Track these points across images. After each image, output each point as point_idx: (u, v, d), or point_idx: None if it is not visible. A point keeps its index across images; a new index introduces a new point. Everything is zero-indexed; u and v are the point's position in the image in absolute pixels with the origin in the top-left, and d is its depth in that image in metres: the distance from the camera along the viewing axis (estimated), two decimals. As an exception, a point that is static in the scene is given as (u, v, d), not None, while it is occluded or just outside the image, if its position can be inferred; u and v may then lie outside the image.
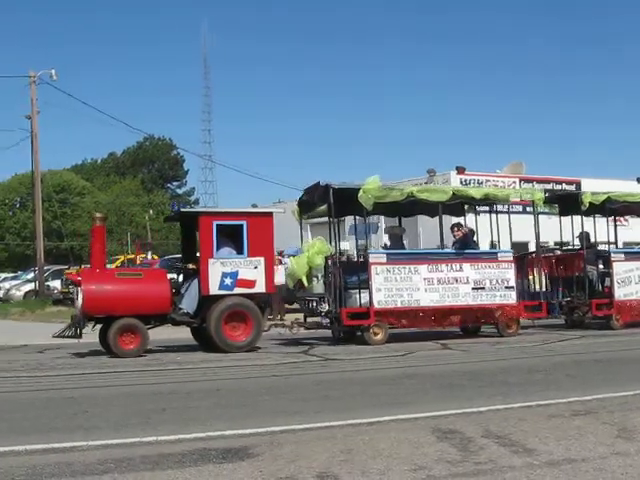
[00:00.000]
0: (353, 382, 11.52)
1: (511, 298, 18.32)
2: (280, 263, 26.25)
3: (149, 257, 41.54)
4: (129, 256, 45.48)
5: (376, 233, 36.58)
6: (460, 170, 45.65)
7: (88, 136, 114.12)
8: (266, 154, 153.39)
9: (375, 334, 17.02)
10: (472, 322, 18.77)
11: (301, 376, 12.58)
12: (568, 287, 20.40)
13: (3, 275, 54.41)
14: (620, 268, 19.97)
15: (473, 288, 17.95)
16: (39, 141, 39.54)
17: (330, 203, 17.52)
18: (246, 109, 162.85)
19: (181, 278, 17.22)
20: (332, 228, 18.13)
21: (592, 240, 20.78)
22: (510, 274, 18.36)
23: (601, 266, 20.48)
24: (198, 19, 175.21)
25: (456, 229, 19.37)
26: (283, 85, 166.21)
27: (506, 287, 18.25)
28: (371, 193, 17.20)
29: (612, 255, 20.31)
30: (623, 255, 20.49)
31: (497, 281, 18.20)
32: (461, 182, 44.91)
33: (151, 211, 79.54)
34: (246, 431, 7.71)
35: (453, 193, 18.42)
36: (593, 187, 50.38)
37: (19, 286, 45.09)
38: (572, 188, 49.42)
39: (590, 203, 19.93)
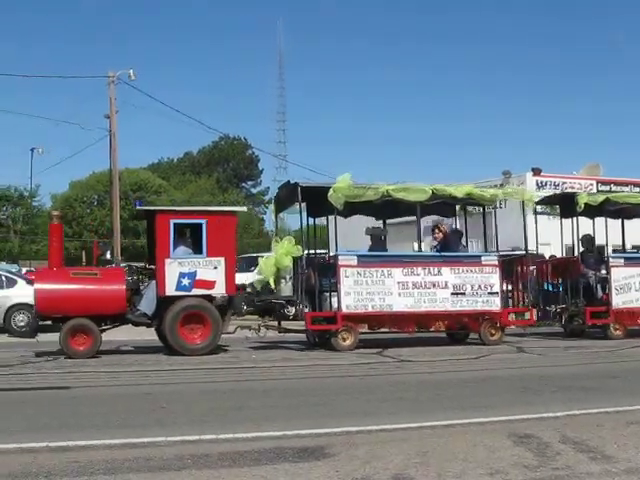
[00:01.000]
0: (428, 384, 11.50)
1: (494, 304, 17.40)
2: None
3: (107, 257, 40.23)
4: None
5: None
6: (536, 172, 45.19)
7: (164, 135, 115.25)
8: (340, 154, 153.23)
9: (344, 339, 16.40)
10: (451, 328, 18.03)
11: (376, 377, 12.58)
12: (566, 293, 19.48)
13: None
14: (619, 274, 18.84)
15: (452, 293, 17.09)
16: (117, 140, 40.11)
17: (299, 202, 17.01)
18: (321, 109, 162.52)
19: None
20: (303, 227, 18.31)
21: (601, 244, 20.11)
22: (494, 279, 17.43)
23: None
24: (273, 18, 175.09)
25: (436, 231, 18.56)
26: (358, 84, 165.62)
27: (489, 293, 17.32)
28: (342, 192, 16.49)
29: (611, 260, 19.24)
30: (623, 260, 19.36)
31: (480, 286, 17.29)
32: (537, 184, 44.48)
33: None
34: (322, 431, 7.75)
35: (433, 192, 17.35)
36: (674, 189, 49.69)
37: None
38: (651, 191, 48.60)
39: (587, 204, 18.93)
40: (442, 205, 18.24)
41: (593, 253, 19.80)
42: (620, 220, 20.42)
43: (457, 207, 19.40)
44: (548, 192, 44.73)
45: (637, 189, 48.36)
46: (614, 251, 20.66)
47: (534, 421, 8.22)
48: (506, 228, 20.05)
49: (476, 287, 17.24)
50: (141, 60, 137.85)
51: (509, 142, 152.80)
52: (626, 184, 48.30)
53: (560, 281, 20.11)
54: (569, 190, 46.20)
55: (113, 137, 39.80)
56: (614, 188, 47.65)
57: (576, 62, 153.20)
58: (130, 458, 6.64)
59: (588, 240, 19.79)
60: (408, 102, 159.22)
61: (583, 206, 18.76)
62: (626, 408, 8.99)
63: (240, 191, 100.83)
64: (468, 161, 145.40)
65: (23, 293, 21.82)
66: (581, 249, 19.86)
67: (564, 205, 20.54)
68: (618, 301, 18.66)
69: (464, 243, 18.80)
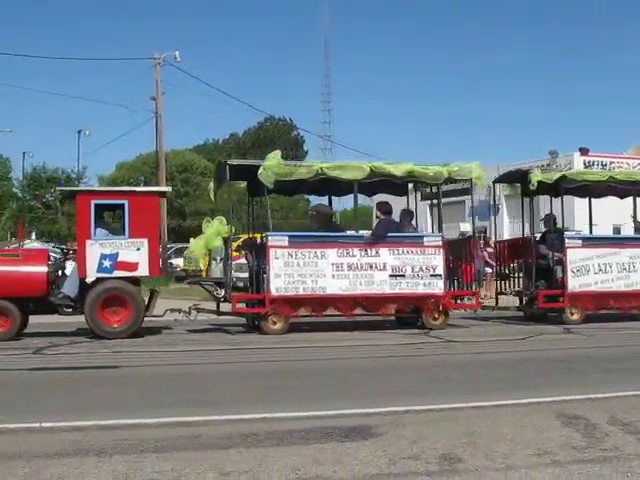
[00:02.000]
0: (474, 365, 11.45)
1: (437, 287, 16.56)
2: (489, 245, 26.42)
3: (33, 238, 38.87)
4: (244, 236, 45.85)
5: (497, 214, 36.29)
6: (584, 151, 44.87)
7: (210, 116, 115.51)
8: (386, 133, 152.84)
9: (273, 323, 15.81)
10: (390, 312, 17.03)
11: (421, 357, 12.60)
12: (527, 276, 18.61)
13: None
14: (576, 256, 17.80)
15: (391, 275, 16.32)
16: (163, 121, 40.32)
17: (226, 180, 16.57)
18: (367, 88, 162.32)
19: None
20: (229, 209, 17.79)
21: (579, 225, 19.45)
22: (438, 261, 16.59)
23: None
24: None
25: (378, 210, 17.91)
26: (404, 64, 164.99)
27: (432, 275, 16.50)
28: (272, 170, 15.83)
29: (567, 241, 18.10)
30: (580, 241, 18.34)
31: (421, 268, 16.48)
32: (584, 164, 44.17)
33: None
34: (368, 410, 7.76)
35: (371, 170, 16.50)
36: None
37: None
38: (700, 170, 47.96)
39: (542, 182, 17.94)
40: (392, 184, 17.34)
41: (554, 234, 18.73)
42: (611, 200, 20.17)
43: (410, 186, 18.52)
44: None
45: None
46: (566, 231, 19.52)
47: (582, 402, 8.17)
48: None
49: (417, 269, 16.48)
50: (187, 41, 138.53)
51: (558, 123, 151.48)
52: (675, 163, 47.74)
53: (518, 263, 19.64)
54: (617, 169, 45.84)
55: (159, 119, 40.02)
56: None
57: (623, 41, 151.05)
58: (179, 436, 6.70)
59: (550, 220, 19.22)
60: (455, 83, 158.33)
61: (536, 184, 17.85)
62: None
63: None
64: (516, 144, 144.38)
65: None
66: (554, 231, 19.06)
67: (521, 183, 19.44)
68: (575, 284, 17.71)
69: (414, 224, 18.11)
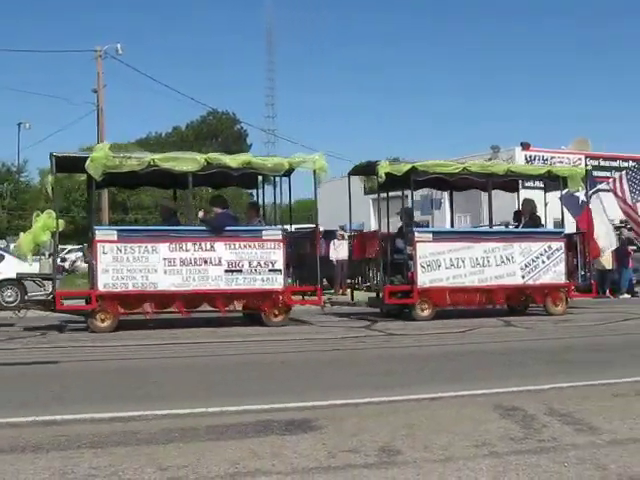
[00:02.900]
0: (415, 357, 11.53)
1: (277, 282, 16.20)
2: (343, 238, 26.36)
3: None
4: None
5: (439, 209, 36.46)
6: (525, 146, 45.30)
7: (153, 110, 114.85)
8: (332, 128, 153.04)
9: (101, 321, 15.28)
10: (232, 308, 16.58)
11: (363, 350, 12.62)
12: (383, 270, 17.86)
13: (69, 247, 55.04)
14: (426, 250, 17.32)
15: (227, 270, 15.95)
16: (105, 115, 39.96)
17: (53, 173, 15.81)
18: (311, 83, 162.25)
19: None
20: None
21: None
22: (278, 255, 16.21)
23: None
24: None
25: (213, 205, 17.72)
26: (347, 58, 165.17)
27: (271, 270, 16.15)
28: (99, 162, 15.26)
29: (416, 235, 17.52)
30: (431, 235, 17.92)
31: (259, 263, 16.11)
32: (526, 158, 44.57)
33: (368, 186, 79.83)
34: (309, 404, 7.77)
35: (206, 162, 16.06)
36: (661, 165, 49.78)
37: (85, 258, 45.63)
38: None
39: (390, 174, 17.35)
40: (243, 176, 16.92)
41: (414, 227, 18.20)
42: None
43: (260, 178, 18.20)
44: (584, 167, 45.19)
45: (625, 164, 48.52)
46: (418, 225, 19.15)
47: (521, 394, 8.25)
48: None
49: (255, 264, 16.12)
50: (129, 34, 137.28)
51: (500, 118, 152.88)
52: (614, 159, 48.47)
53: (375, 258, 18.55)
54: (558, 165, 46.35)
55: (100, 112, 39.66)
56: (602, 163, 47.84)
57: (565, 38, 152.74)
58: (117, 432, 6.63)
59: (407, 213, 18.94)
60: (401, 77, 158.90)
61: (384, 176, 17.31)
62: (612, 381, 9.04)
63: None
64: (463, 136, 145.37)
65: (11, 268, 21.72)
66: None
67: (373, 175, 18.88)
68: (425, 279, 17.30)
69: (260, 217, 17.77)
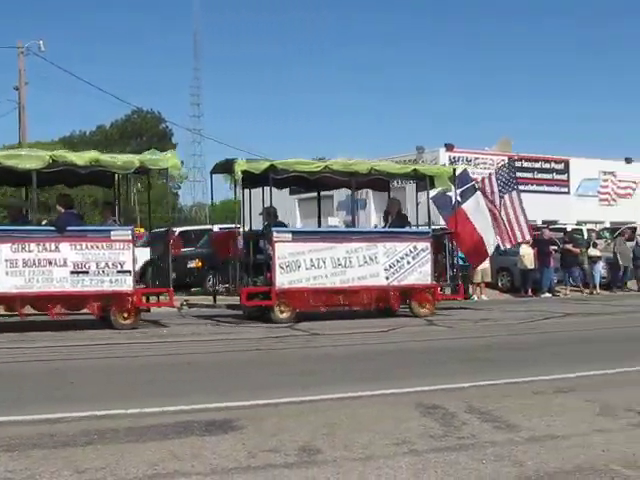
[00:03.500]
0: (337, 357, 11.57)
1: (125, 284, 15.54)
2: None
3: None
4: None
5: (364, 209, 36.63)
6: (449, 147, 45.75)
7: (77, 108, 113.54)
8: (258, 127, 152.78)
9: None
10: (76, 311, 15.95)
11: (285, 350, 12.62)
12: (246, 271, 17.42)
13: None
14: (285, 250, 16.73)
15: (72, 272, 15.20)
16: (27, 113, 39.29)
17: None
18: (238, 81, 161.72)
19: None
20: None
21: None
22: (126, 256, 15.56)
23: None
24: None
25: (59, 204, 16.79)
26: (276, 56, 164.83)
27: (119, 271, 15.49)
28: None
29: (275, 235, 16.86)
30: (290, 235, 17.29)
31: (107, 264, 15.44)
32: (450, 159, 45.00)
33: (139, 184, 79.46)
34: (230, 404, 7.74)
35: (51, 159, 15.18)
36: (582, 166, 50.93)
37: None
38: (561, 167, 49.67)
39: (248, 172, 16.89)
40: (97, 174, 16.21)
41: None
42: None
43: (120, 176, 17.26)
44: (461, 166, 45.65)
45: (547, 165, 49.34)
46: (278, 225, 18.09)
47: (441, 392, 8.33)
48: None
49: (102, 265, 15.43)
50: (53, 32, 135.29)
51: (427, 117, 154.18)
52: (537, 160, 49.21)
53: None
54: (481, 165, 46.95)
55: (22, 110, 38.96)
56: (525, 164, 48.55)
57: (492, 36, 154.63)
58: (34, 435, 6.53)
59: (269, 212, 18.43)
60: (329, 75, 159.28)
61: (241, 174, 16.85)
62: (532, 379, 9.17)
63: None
64: (381, 135, 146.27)
65: None
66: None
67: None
68: (283, 280, 16.69)
69: (115, 217, 17.13)
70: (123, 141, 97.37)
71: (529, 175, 48.67)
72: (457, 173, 20.70)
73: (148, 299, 16.78)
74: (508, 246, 22.41)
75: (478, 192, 21.10)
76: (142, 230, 24.62)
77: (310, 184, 19.50)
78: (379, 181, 19.20)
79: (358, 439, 6.27)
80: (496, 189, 21.43)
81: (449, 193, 20.25)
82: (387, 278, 17.64)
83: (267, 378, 9.57)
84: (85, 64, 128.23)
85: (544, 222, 42.62)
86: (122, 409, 7.44)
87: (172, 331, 15.23)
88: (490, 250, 21.34)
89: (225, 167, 18.15)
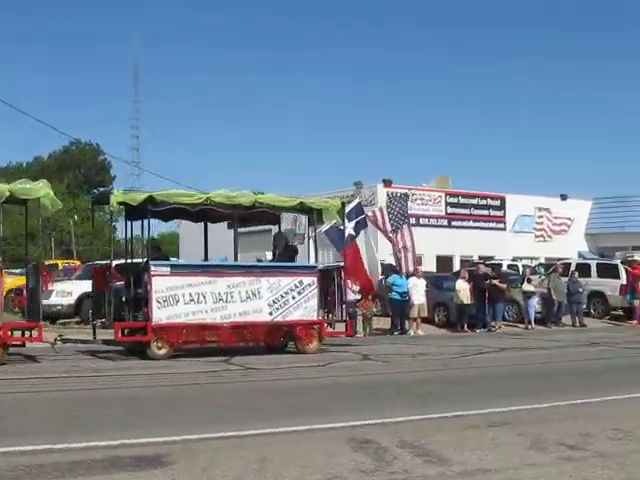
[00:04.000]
0: (272, 391, 11.50)
1: None
2: None
3: None
4: (51, 261, 44.84)
5: (302, 243, 36.60)
6: (387, 183, 46.04)
7: (13, 139, 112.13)
8: (198, 161, 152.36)
9: None
10: None
11: (220, 385, 12.53)
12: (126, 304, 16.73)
13: None
14: (162, 285, 16.07)
15: None
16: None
17: None
18: (178, 116, 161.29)
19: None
20: None
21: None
22: None
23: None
24: (130, 24, 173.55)
25: None
26: (216, 91, 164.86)
27: None
28: None
29: (152, 268, 16.20)
30: (169, 269, 16.64)
31: None
32: (388, 195, 45.28)
33: (76, 216, 78.65)
34: (161, 439, 7.63)
35: None
36: (518, 202, 51.61)
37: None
38: (497, 203, 50.28)
39: (126, 204, 16.38)
40: None
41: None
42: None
43: None
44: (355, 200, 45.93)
45: (484, 201, 49.92)
46: (160, 258, 17.66)
47: (374, 426, 8.32)
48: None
49: None
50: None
51: (365, 152, 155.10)
52: (474, 196, 49.75)
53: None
54: (419, 201, 47.35)
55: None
56: (462, 200, 49.07)
57: (425, 69, 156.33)
58: (-43, 470, 6.38)
59: (153, 246, 18.36)
60: (265, 108, 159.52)
61: (117, 205, 16.20)
62: (465, 413, 9.20)
63: (91, 197, 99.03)
64: (321, 170, 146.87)
65: None
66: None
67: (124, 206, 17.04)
68: (161, 315, 16.02)
69: None
70: (61, 173, 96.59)
71: (466, 211, 49.22)
72: (352, 206, 20.71)
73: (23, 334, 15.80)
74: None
75: (368, 226, 21.16)
76: (78, 263, 24.41)
77: (193, 216, 18.93)
78: (268, 214, 18.52)
79: (288, 474, 6.24)
80: (387, 220, 21.49)
81: (342, 227, 19.99)
82: (271, 313, 17.10)
83: (200, 413, 9.48)
84: (23, 95, 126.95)
85: (480, 258, 43.05)
86: (49, 444, 7.30)
87: (82, 365, 15.05)
88: (375, 282, 21.34)
89: (102, 199, 17.66)
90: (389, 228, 22.64)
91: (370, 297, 25.64)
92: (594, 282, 32.11)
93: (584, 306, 30.88)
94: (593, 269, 33.01)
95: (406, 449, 7.14)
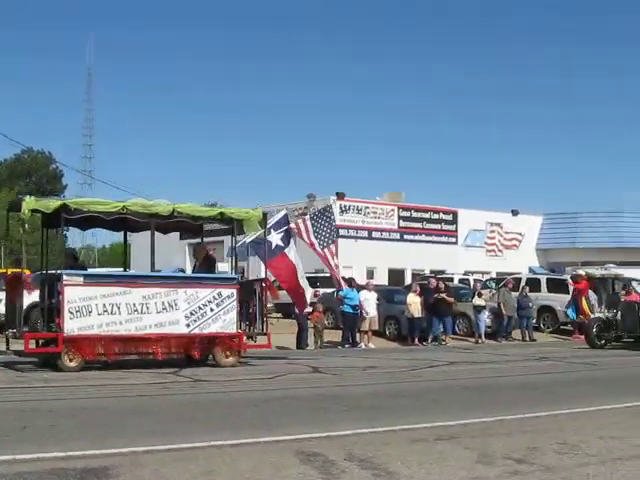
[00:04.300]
0: (221, 404, 11.44)
1: None
2: None
3: None
4: (1, 270, 44.31)
5: (253, 255, 36.54)
6: (340, 196, 46.23)
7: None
8: (152, 172, 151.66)
9: None
10: None
11: (169, 397, 12.43)
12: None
13: None
14: (75, 295, 15.59)
15: None
16: None
17: None
18: (131, 125, 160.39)
19: None
20: None
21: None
22: None
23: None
24: (84, 33, 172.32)
25: None
26: (171, 102, 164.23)
27: None
28: None
29: (65, 278, 15.73)
30: (82, 278, 16.12)
31: None
32: (341, 208, 45.46)
33: (27, 225, 77.86)
34: (107, 451, 7.57)
35: None
36: (470, 217, 52.04)
37: None
38: (449, 218, 50.62)
39: (38, 211, 16.16)
40: None
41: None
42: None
43: None
44: (352, 216, 46.16)
45: (436, 216, 50.23)
46: (76, 267, 17.15)
47: (322, 439, 8.31)
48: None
49: None
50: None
51: (317, 166, 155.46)
52: (426, 210, 50.09)
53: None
54: (371, 215, 47.53)
55: None
56: (415, 214, 49.35)
57: (373, 82, 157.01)
58: None
59: (68, 254, 18.20)
60: (221, 122, 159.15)
61: (28, 212, 15.80)
62: (413, 426, 9.23)
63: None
64: (274, 183, 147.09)
65: None
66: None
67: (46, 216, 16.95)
68: (73, 327, 15.51)
69: None
70: (12, 181, 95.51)
71: (418, 225, 49.55)
72: (280, 217, 20.59)
73: None
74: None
75: (295, 237, 21.08)
76: (28, 272, 24.05)
77: (111, 225, 18.66)
78: (190, 224, 18.21)
79: (236, 487, 6.21)
80: (312, 232, 21.42)
81: (269, 238, 19.66)
82: (188, 325, 16.71)
83: (148, 425, 9.40)
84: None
85: (432, 271, 43.31)
86: (-6, 456, 7.21)
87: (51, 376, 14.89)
88: (307, 295, 21.20)
89: (14, 205, 17.27)
90: (314, 241, 22.50)
91: (321, 310, 25.71)
92: (544, 297, 32.43)
93: (534, 321, 31.15)
94: (543, 284, 33.32)
95: (354, 462, 7.14)
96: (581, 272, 32.51)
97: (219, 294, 17.06)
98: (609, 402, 11.66)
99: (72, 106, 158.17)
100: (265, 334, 18.04)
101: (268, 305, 19.10)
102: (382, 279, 43.76)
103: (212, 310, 16.92)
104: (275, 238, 20.06)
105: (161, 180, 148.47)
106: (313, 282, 29.07)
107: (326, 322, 27.20)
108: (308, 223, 21.94)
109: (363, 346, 25.53)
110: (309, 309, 24.85)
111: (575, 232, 54.99)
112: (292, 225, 20.94)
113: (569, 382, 15.26)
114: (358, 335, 26.01)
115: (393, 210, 48.62)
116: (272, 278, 20.30)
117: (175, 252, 19.23)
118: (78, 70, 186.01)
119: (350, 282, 26.91)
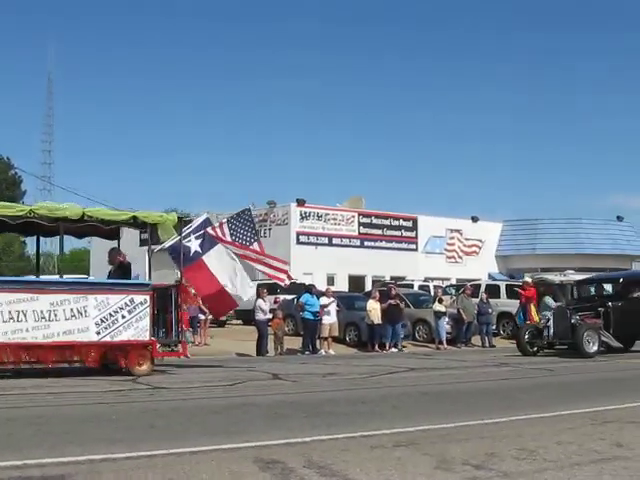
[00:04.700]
0: (180, 411, 11.38)
1: None
2: None
3: None
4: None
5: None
6: (300, 202, 46.29)
7: None
8: (113, 179, 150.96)
9: None
10: None
11: (127, 404, 12.36)
12: None
13: None
14: None
15: None
16: None
17: None
18: (92, 128, 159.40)
19: None
20: None
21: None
22: None
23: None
24: (44, 32, 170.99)
25: None
26: (133, 112, 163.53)
27: None
28: None
29: None
30: None
31: None
32: (301, 214, 45.53)
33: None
34: (65, 459, 7.51)
35: None
36: (429, 224, 52.28)
37: None
38: (409, 224, 50.85)
39: None
40: None
41: None
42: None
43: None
44: (312, 223, 46.19)
45: (396, 222, 50.40)
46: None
47: (281, 446, 8.30)
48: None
49: None
50: None
51: (277, 173, 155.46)
52: (386, 217, 50.24)
53: None
54: (332, 221, 47.59)
55: None
56: (375, 220, 49.50)
57: (338, 95, 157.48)
58: None
59: None
60: (185, 130, 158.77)
61: None
62: (372, 433, 9.23)
63: None
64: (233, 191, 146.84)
65: None
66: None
67: None
68: None
69: None
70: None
71: (379, 232, 49.71)
72: (200, 221, 20.35)
73: None
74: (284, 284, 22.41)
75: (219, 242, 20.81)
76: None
77: (19, 230, 18.37)
78: (103, 229, 17.63)
79: (194, 495, 6.19)
80: (228, 233, 21.21)
81: (188, 243, 19.35)
82: (98, 333, 16.27)
83: (106, 432, 9.33)
84: None
85: (392, 278, 43.47)
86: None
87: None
88: (243, 296, 20.54)
89: None
90: (235, 241, 22.25)
91: (281, 316, 25.71)
92: (503, 303, 32.68)
93: (493, 327, 31.34)
94: (502, 290, 33.60)
95: (313, 469, 7.14)
96: (528, 279, 32.78)
97: (131, 300, 16.66)
98: (567, 408, 11.74)
99: (31, 111, 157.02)
100: (179, 342, 17.77)
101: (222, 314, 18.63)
102: (342, 285, 43.86)
103: (124, 317, 16.54)
104: (194, 244, 19.58)
105: (127, 189, 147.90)
106: (273, 289, 29.05)
107: (286, 329, 27.22)
108: (225, 227, 21.73)
109: (323, 353, 25.58)
110: (269, 315, 24.83)
111: (535, 239, 55.47)
112: (209, 230, 20.65)
113: (527, 388, 15.33)
114: (318, 342, 26.06)
115: (353, 216, 48.74)
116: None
117: (134, 259, 18.98)
118: (37, 74, 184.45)
119: (310, 289, 26.97)
